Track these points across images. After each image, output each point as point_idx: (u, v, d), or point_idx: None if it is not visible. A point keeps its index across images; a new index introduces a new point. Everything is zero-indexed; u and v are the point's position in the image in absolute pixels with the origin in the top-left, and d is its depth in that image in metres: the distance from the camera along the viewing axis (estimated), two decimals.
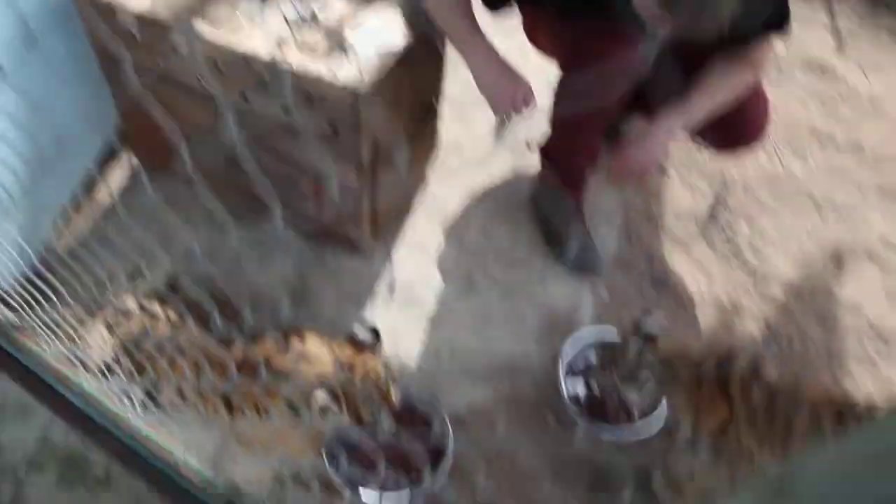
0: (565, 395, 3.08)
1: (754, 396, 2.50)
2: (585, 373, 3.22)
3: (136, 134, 3.57)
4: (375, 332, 2.67)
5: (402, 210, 3.67)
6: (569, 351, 3.20)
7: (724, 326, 3.57)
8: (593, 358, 3.27)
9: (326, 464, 2.82)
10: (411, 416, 2.98)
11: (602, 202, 3.85)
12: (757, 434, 2.59)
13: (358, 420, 2.58)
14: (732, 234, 3.95)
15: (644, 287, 3.63)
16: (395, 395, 2.78)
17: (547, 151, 3.43)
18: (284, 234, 3.52)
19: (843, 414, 2.42)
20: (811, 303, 3.70)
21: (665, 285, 3.65)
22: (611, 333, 3.28)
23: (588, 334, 3.26)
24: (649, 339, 2.69)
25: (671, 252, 3.81)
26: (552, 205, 3.59)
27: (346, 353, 2.62)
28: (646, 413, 3.07)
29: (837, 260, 3.93)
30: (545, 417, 3.08)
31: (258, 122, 2.96)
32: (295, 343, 2.69)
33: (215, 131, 3.10)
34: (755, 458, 2.59)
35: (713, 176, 4.20)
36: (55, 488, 2.77)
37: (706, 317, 3.58)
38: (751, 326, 3.57)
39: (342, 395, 2.54)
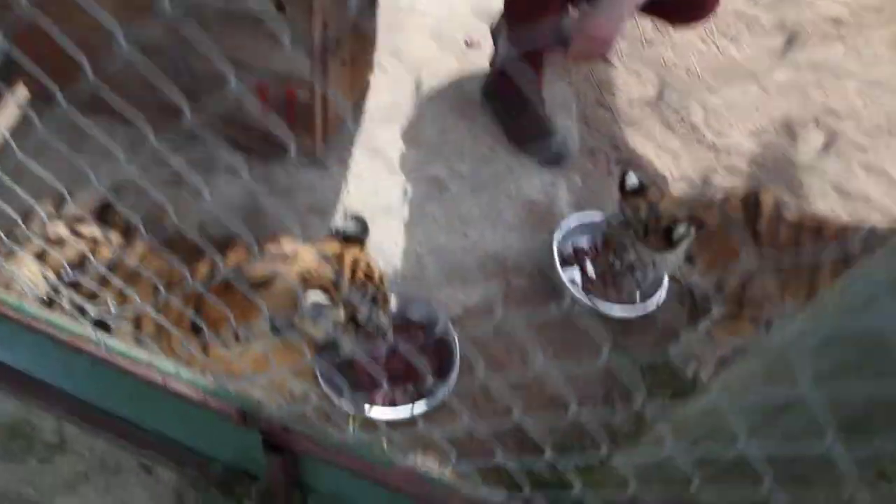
0: (565, 281, 2.84)
1: (781, 234, 2.36)
2: (579, 258, 3.00)
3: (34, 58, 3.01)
4: (361, 222, 2.33)
5: (353, 111, 3.30)
6: (559, 239, 2.96)
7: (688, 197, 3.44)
8: (583, 243, 3.05)
9: (324, 388, 2.47)
10: (407, 326, 2.66)
11: (556, 94, 3.63)
12: (779, 282, 2.46)
13: (353, 320, 2.24)
14: (687, 115, 3.84)
15: (613, 170, 3.45)
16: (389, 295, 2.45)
17: (511, 13, 3.10)
18: (228, 154, 3.08)
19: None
20: (776, 172, 3.65)
21: (633, 166, 3.48)
22: (595, 217, 3.08)
23: (573, 221, 3.04)
24: (639, 192, 2.53)
25: (633, 136, 3.65)
26: (510, 98, 3.32)
27: (332, 246, 2.26)
28: (647, 286, 2.90)
29: (789, 130, 3.90)
30: (547, 307, 2.83)
31: (198, 11, 2.52)
32: (270, 247, 2.30)
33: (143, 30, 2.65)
34: (776, 306, 2.46)
35: (655, 62, 4.09)
36: None
37: (678, 192, 3.44)
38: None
39: (333, 290, 2.18)
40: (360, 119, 3.34)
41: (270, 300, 2.24)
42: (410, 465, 1.58)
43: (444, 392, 2.47)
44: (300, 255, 2.28)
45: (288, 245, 2.33)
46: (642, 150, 3.59)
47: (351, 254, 2.29)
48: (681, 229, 2.34)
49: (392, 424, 2.46)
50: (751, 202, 2.46)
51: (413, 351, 2.59)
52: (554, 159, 3.28)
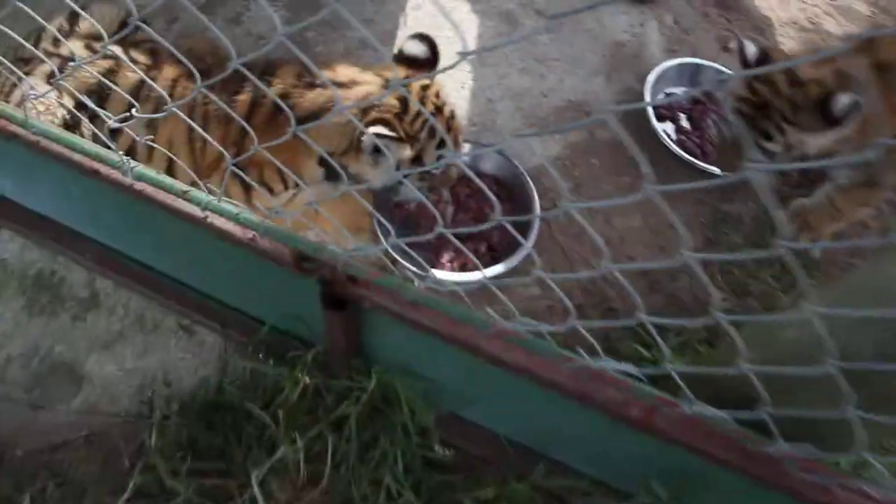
0: (662, 134, 2.43)
1: None
2: (673, 110, 2.56)
3: None
4: (430, 43, 1.93)
5: None
6: (652, 88, 2.52)
7: (809, 48, 2.94)
8: (678, 92, 2.61)
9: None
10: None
11: None
12: None
13: (418, 160, 1.88)
14: None
15: (710, 12, 2.94)
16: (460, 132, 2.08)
17: None
18: None
19: None
20: None
21: (733, 9, 2.96)
22: (693, 65, 2.62)
23: (669, 68, 2.58)
24: (764, 61, 2.00)
25: None
26: None
27: (397, 73, 1.88)
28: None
29: None
30: (636, 163, 2.43)
31: None
32: (324, 72, 1.92)
33: None
34: None
35: None
36: (24, 315, 2.02)
37: (788, 39, 2.94)
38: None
39: (398, 123, 1.82)
40: None
41: (323, 135, 1.88)
42: (512, 329, 1.26)
43: (521, 254, 2.13)
44: (359, 83, 1.90)
45: (344, 71, 1.95)
46: None
47: (419, 82, 1.91)
48: (844, 100, 1.80)
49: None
50: None
51: (484, 206, 2.23)
52: None
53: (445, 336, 1.34)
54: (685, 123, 2.54)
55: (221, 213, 1.37)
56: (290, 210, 2.13)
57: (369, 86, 1.87)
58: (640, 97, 2.53)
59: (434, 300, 1.31)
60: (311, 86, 1.89)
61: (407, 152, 1.82)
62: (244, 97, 1.91)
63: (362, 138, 1.76)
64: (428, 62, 1.92)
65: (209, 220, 1.39)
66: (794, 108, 1.92)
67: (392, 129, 1.79)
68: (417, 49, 1.91)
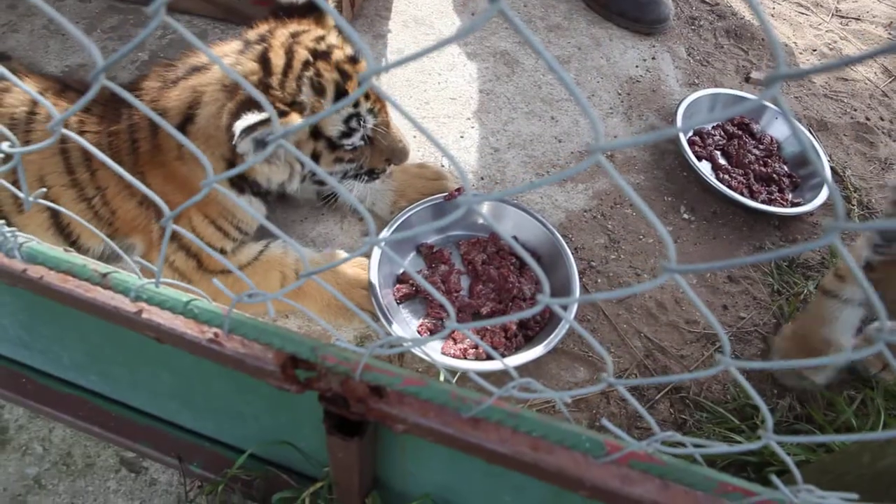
0: (703, 173, 2.02)
1: None
2: (706, 145, 2.16)
3: None
4: None
5: None
6: (684, 123, 2.12)
7: (837, 77, 2.61)
8: (713, 129, 2.22)
9: (382, 320, 1.64)
10: (495, 241, 1.82)
11: None
12: None
13: (319, 135, 1.45)
14: None
15: (723, 42, 2.60)
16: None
17: None
18: (222, 30, 2.22)
19: None
20: None
21: (746, 38, 2.63)
22: (726, 97, 2.24)
23: (699, 102, 2.20)
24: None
25: (735, 2, 2.80)
26: None
27: (256, 30, 1.50)
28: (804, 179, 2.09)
29: None
30: (676, 209, 2.01)
31: None
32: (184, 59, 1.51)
33: None
34: None
35: None
36: None
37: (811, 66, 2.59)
38: (865, 73, 2.63)
39: (264, 91, 1.39)
40: None
41: (209, 141, 1.43)
42: (644, 451, 0.77)
43: (561, 331, 1.64)
44: (223, 53, 1.46)
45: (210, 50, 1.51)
46: (751, 18, 2.74)
47: (286, 28, 1.45)
48: None
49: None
50: None
51: (507, 274, 1.75)
52: (651, 22, 2.43)
53: (529, 466, 0.83)
54: (722, 161, 2.14)
55: (163, 304, 0.86)
56: (256, 275, 1.65)
57: (227, 58, 1.43)
58: (669, 136, 2.12)
59: (511, 414, 0.81)
60: (175, 82, 1.45)
61: (295, 121, 1.34)
62: (122, 126, 1.47)
63: (234, 142, 1.31)
64: (307, 7, 1.50)
65: (145, 315, 0.88)
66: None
67: (257, 106, 1.31)
68: None
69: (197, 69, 1.49)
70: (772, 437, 0.68)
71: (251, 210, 0.73)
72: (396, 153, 1.57)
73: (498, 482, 1.05)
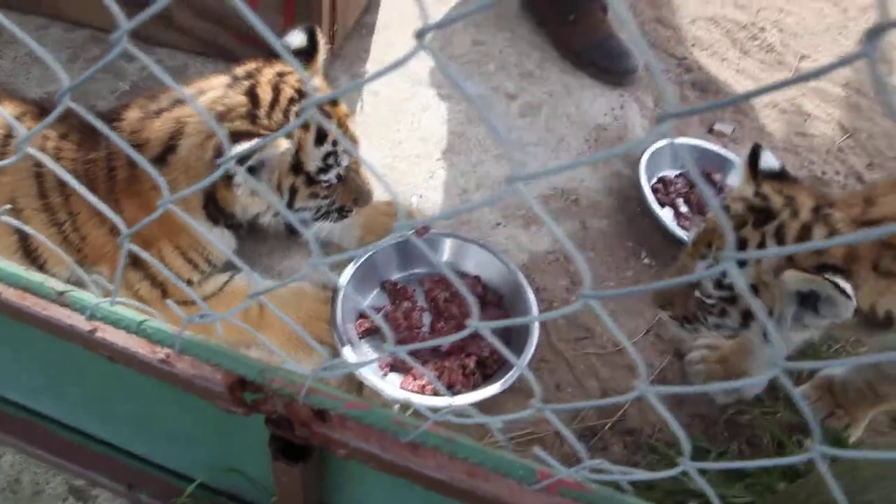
0: (665, 221, 2.09)
1: None
2: (668, 193, 2.24)
3: None
4: (311, 33, 1.62)
5: (365, 14, 2.52)
6: (647, 174, 2.21)
7: (796, 132, 2.72)
8: (670, 174, 2.30)
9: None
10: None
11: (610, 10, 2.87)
12: None
13: (300, 170, 1.52)
14: (761, 35, 3.12)
15: (689, 94, 2.71)
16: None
17: None
18: (203, 64, 2.28)
19: None
20: (877, 99, 2.93)
21: (710, 91, 2.75)
22: (689, 147, 2.34)
23: (662, 151, 2.29)
24: (781, 178, 1.46)
25: (703, 58, 2.92)
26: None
27: (246, 66, 1.58)
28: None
29: (882, 55, 3.20)
30: (637, 255, 2.07)
31: None
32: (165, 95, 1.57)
33: None
34: None
35: None
36: None
37: (772, 121, 2.71)
38: (823, 129, 2.74)
39: (251, 124, 1.46)
40: (374, 27, 2.55)
41: (189, 172, 1.49)
42: (573, 479, 0.80)
43: (516, 369, 1.68)
44: (205, 90, 1.53)
45: (195, 84, 1.58)
46: (717, 73, 2.86)
47: (273, 68, 1.54)
48: (841, 283, 1.19)
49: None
50: None
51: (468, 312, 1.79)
52: (621, 73, 2.53)
53: (465, 493, 0.86)
54: (684, 208, 2.21)
55: (117, 324, 0.89)
56: (220, 306, 1.68)
57: (215, 90, 1.49)
58: (631, 182, 2.20)
59: (448, 440, 0.84)
60: (158, 113, 1.50)
61: (284, 146, 1.42)
62: (100, 154, 1.52)
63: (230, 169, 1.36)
64: (305, 52, 1.57)
65: (99, 333, 0.91)
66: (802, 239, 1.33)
67: (248, 135, 1.39)
68: (293, 38, 1.57)
69: (181, 101, 1.55)
70: (689, 464, 0.72)
71: (221, 245, 0.77)
72: (363, 194, 1.64)
73: None
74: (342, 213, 1.69)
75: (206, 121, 1.47)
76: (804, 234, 1.31)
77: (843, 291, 1.17)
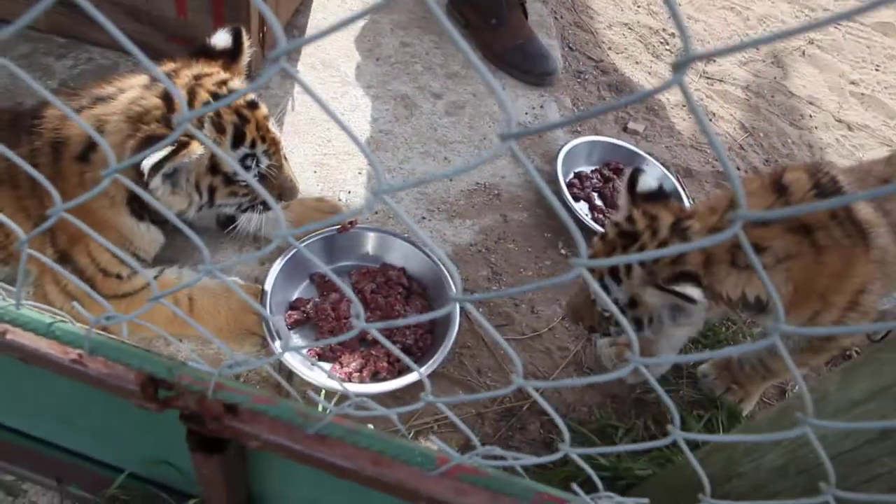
0: (581, 214, 2.13)
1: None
2: (584, 187, 2.28)
3: None
4: (236, 34, 1.59)
5: (296, 16, 2.47)
6: (564, 169, 2.24)
7: (702, 131, 2.80)
8: (586, 170, 2.35)
9: (273, 347, 1.65)
10: (384, 271, 1.87)
11: (531, 13, 2.90)
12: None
13: (217, 171, 1.51)
14: (672, 41, 3.20)
15: (605, 95, 2.76)
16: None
17: None
18: (132, 64, 2.20)
19: None
20: (772, 101, 3.05)
21: (625, 92, 2.81)
22: (600, 143, 2.39)
23: (579, 148, 2.33)
24: (657, 197, 1.51)
25: (619, 61, 2.98)
26: (486, 4, 2.58)
27: (165, 66, 1.53)
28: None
29: (777, 60, 3.33)
30: (555, 245, 2.11)
31: None
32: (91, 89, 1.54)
33: None
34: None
35: None
36: None
37: (681, 121, 2.79)
38: (727, 128, 2.84)
39: (165, 127, 1.44)
40: (305, 29, 2.51)
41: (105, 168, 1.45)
42: (470, 465, 0.82)
43: (441, 356, 1.70)
44: (125, 90, 1.50)
45: (116, 83, 1.54)
46: (631, 75, 2.92)
47: (190, 70, 1.51)
48: (688, 290, 1.27)
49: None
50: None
51: (394, 302, 1.80)
52: (541, 74, 2.56)
53: (371, 480, 0.87)
54: (598, 202, 2.26)
55: (25, 326, 0.86)
56: (140, 303, 1.64)
57: (133, 90, 1.47)
58: (550, 177, 2.23)
59: (351, 431, 0.85)
60: (79, 111, 1.46)
61: (198, 151, 1.39)
62: (23, 151, 1.47)
63: (143, 172, 1.35)
64: (230, 53, 1.55)
65: (10, 336, 0.88)
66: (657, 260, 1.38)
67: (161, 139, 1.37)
68: (218, 39, 1.55)
69: (101, 99, 1.50)
70: (568, 449, 0.74)
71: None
72: (286, 190, 1.62)
73: (363, 498, 1.07)
74: (267, 206, 1.67)
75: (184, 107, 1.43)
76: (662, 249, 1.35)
77: (688, 298, 1.27)
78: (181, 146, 1.37)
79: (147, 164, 1.31)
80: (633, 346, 0.58)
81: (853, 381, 0.84)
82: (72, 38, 2.27)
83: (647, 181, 1.50)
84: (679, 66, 0.39)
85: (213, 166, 1.50)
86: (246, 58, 1.60)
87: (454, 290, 1.79)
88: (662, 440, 0.65)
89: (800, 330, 0.56)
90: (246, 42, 1.59)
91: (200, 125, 1.43)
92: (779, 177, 1.44)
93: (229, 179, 1.53)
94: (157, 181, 1.35)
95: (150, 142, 1.33)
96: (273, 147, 1.56)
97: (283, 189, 1.62)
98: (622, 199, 1.54)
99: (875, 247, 1.36)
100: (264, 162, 1.54)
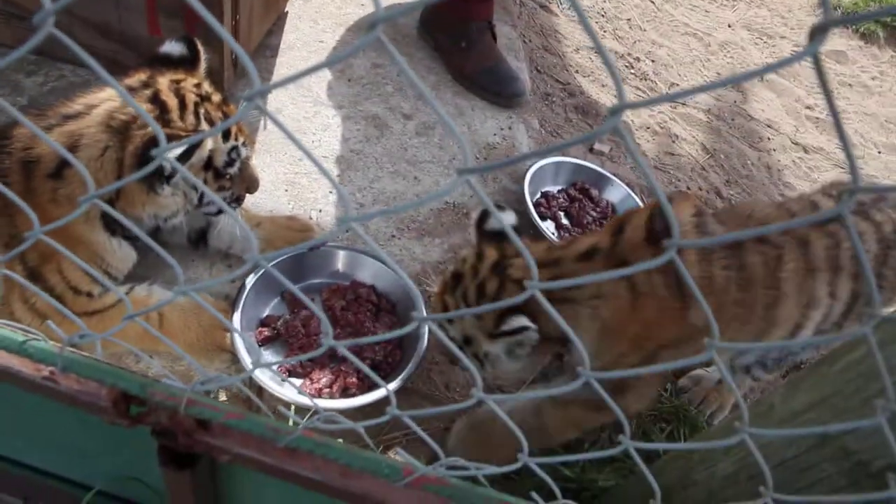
0: (547, 233, 2.19)
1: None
2: (550, 206, 2.34)
3: None
4: (190, 43, 1.64)
5: (269, 37, 2.50)
6: (532, 189, 2.30)
7: (665, 151, 2.89)
8: (552, 190, 2.41)
9: (243, 362, 1.66)
10: (354, 288, 1.90)
11: (500, 36, 2.98)
12: None
13: (210, 167, 1.59)
14: (637, 65, 3.31)
15: (571, 117, 2.84)
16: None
17: None
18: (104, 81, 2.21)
19: None
20: (732, 124, 3.16)
21: (591, 114, 2.89)
22: (568, 164, 2.45)
23: (546, 168, 2.39)
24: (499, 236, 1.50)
25: (586, 84, 3.06)
26: (458, 27, 2.64)
27: (136, 77, 1.56)
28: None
29: (737, 85, 3.46)
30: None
31: None
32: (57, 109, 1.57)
33: None
34: None
35: (595, 13, 3.55)
36: None
37: (645, 142, 2.88)
38: (689, 149, 2.93)
39: (167, 126, 1.49)
40: (278, 49, 2.55)
41: (82, 187, 1.48)
42: (434, 475, 0.85)
43: (410, 370, 1.73)
44: (97, 104, 1.53)
45: (81, 100, 1.58)
46: (597, 98, 3.01)
47: (166, 77, 1.56)
48: (514, 322, 1.29)
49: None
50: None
51: (364, 319, 1.83)
52: (509, 96, 2.63)
53: (340, 492, 0.89)
54: (565, 221, 2.32)
55: None
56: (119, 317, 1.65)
57: (112, 101, 1.51)
58: (517, 196, 2.29)
59: (320, 444, 0.87)
60: (49, 129, 1.49)
61: (210, 146, 1.51)
62: None
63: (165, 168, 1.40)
64: (186, 60, 1.60)
65: None
66: (480, 297, 1.39)
67: (174, 138, 1.43)
68: (172, 48, 1.60)
69: (70, 117, 1.51)
70: (527, 459, 0.78)
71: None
72: (253, 182, 1.73)
73: None
74: (239, 201, 1.74)
75: (148, 120, 1.46)
76: (480, 291, 1.38)
77: (521, 329, 1.28)
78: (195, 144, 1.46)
79: (171, 156, 1.32)
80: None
81: (795, 394, 0.90)
82: (42, 56, 2.28)
83: (495, 220, 1.45)
84: (613, 112, 0.44)
85: (207, 162, 1.56)
86: (203, 63, 1.64)
87: (423, 309, 1.83)
88: (613, 449, 0.69)
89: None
90: (201, 49, 1.64)
91: (197, 122, 1.49)
92: (624, 219, 1.40)
93: (219, 174, 1.61)
94: (179, 175, 1.41)
95: (151, 143, 1.36)
96: (248, 139, 1.67)
97: (252, 181, 1.72)
98: (471, 237, 1.52)
99: (694, 307, 1.25)
100: (244, 152, 1.63)
